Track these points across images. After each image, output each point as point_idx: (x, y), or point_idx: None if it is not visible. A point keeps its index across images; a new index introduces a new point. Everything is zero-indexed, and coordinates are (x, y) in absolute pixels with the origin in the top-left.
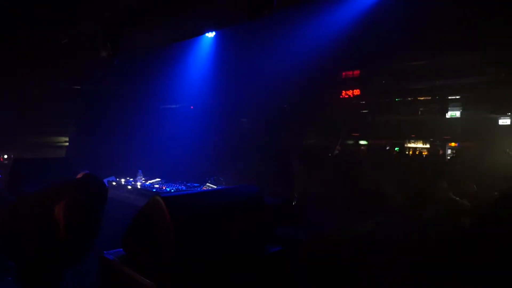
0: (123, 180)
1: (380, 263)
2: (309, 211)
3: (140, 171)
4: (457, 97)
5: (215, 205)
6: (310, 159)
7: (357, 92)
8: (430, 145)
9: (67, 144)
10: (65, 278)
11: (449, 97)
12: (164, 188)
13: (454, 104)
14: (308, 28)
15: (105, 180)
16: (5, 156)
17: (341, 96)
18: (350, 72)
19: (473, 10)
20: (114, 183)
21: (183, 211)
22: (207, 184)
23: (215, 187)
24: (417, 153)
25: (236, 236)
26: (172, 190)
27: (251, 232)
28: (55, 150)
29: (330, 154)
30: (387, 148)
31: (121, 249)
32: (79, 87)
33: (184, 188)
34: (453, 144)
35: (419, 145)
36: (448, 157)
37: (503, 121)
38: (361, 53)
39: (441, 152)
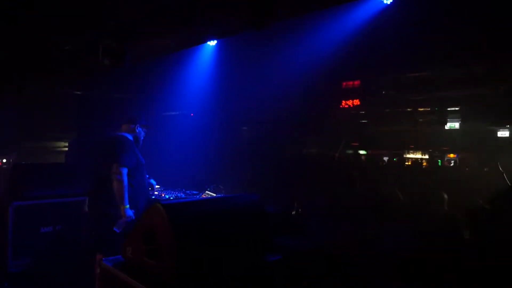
0: None
1: (379, 274)
2: (309, 220)
3: None
4: (457, 108)
5: (216, 213)
6: (312, 168)
7: (356, 102)
8: (428, 155)
9: (67, 149)
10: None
11: (449, 109)
12: (163, 195)
13: (454, 116)
14: (310, 38)
15: None
16: (4, 160)
17: (341, 106)
18: (351, 83)
19: (474, 23)
20: None
21: (184, 218)
22: (207, 192)
23: (215, 195)
24: (415, 163)
25: (236, 244)
26: (171, 198)
27: (251, 241)
28: (55, 155)
29: (332, 164)
30: (385, 158)
31: (120, 255)
32: (79, 92)
33: (183, 195)
34: (451, 155)
35: (418, 155)
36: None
37: (502, 133)
38: (361, 63)
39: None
